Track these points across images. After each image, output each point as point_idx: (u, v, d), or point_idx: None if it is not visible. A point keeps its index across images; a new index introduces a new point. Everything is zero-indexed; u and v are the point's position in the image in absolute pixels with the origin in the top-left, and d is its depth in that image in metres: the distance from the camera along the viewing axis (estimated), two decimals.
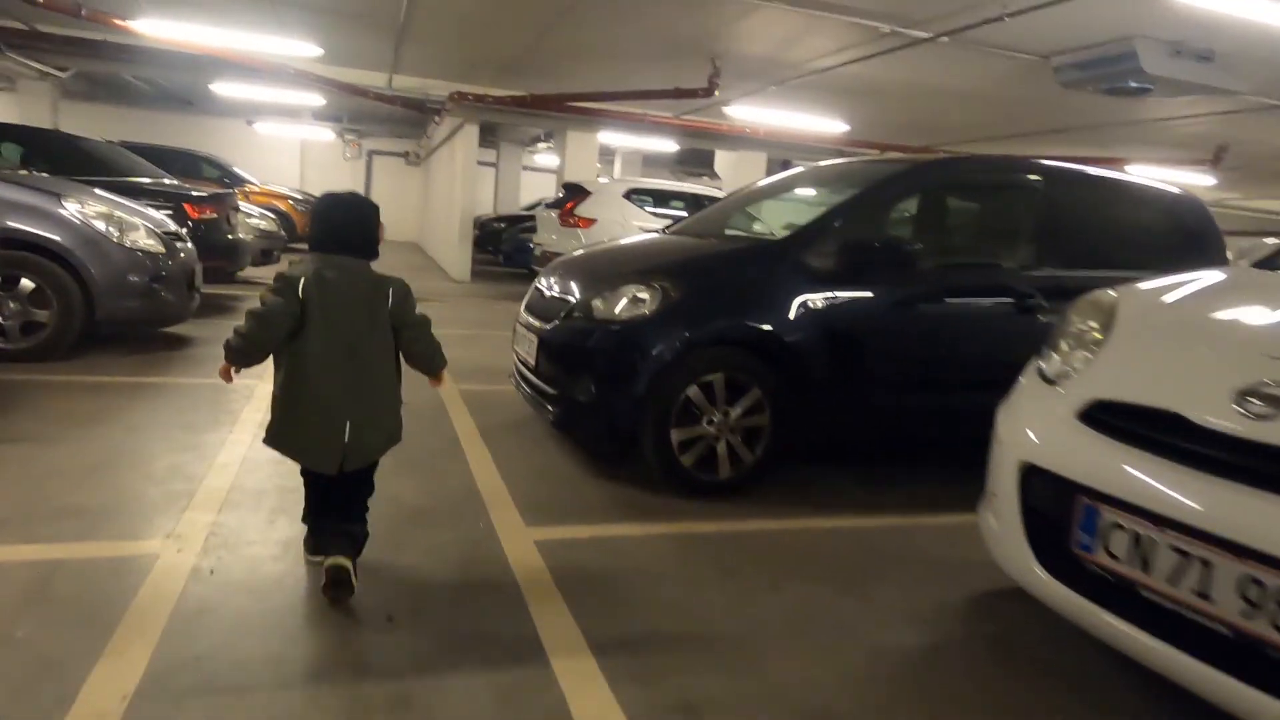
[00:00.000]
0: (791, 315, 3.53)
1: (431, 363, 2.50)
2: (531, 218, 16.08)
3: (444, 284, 12.44)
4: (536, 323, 3.93)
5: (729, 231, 4.66)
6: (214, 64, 10.63)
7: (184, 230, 6.07)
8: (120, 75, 14.25)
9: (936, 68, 8.58)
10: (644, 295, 3.50)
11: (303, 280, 2.32)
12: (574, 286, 3.88)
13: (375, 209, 2.48)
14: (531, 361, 3.87)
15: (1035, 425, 2.19)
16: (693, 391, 3.43)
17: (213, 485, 3.28)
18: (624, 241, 4.71)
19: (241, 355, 2.37)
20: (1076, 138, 11.81)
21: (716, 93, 9.29)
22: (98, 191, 5.60)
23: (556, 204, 11.72)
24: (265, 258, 10.37)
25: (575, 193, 11.48)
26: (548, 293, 4.05)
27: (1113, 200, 4.44)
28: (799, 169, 5.25)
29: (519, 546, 2.92)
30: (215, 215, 7.65)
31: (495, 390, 5.33)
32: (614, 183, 11.84)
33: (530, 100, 10.33)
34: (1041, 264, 4.03)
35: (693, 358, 3.44)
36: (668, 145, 15.54)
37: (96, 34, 9.58)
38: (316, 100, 13.45)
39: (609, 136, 13.68)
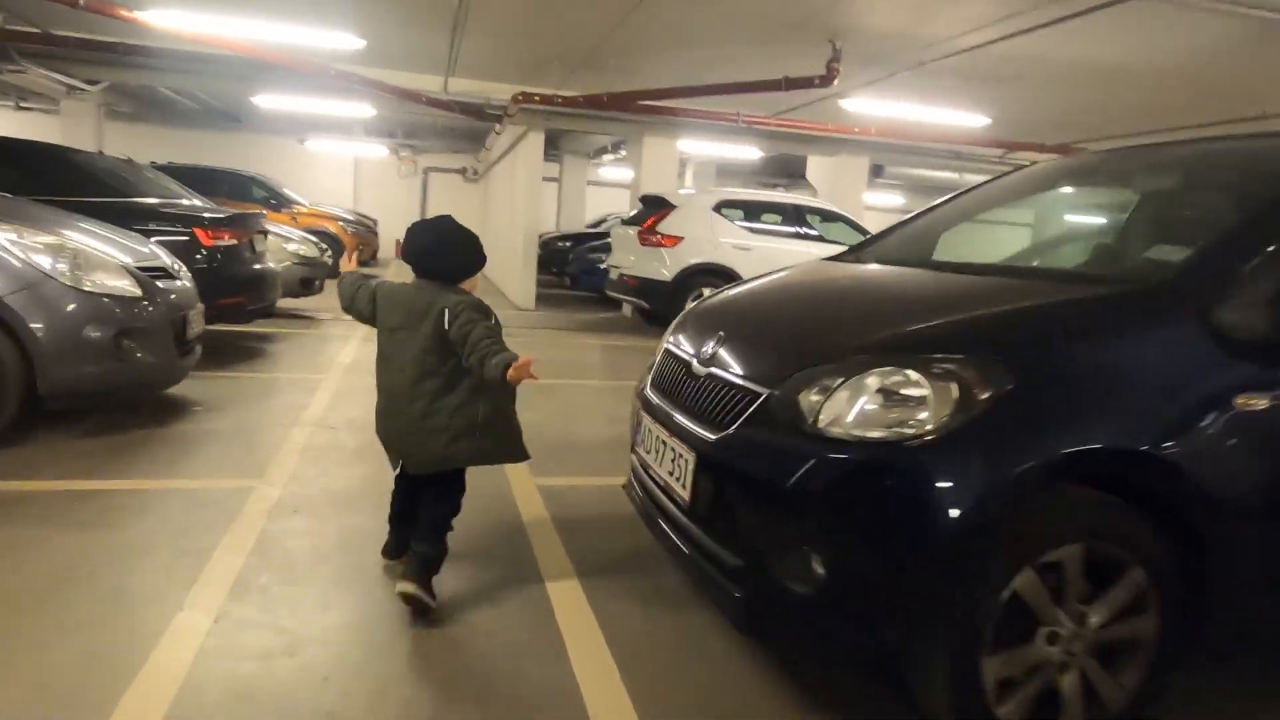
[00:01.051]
0: (1206, 426, 1.82)
1: (496, 383, 2.36)
2: (600, 235, 14.61)
3: (507, 312, 10.91)
4: (688, 422, 2.30)
5: (937, 257, 3.01)
6: (248, 67, 9.35)
7: (175, 264, 4.63)
8: (155, 89, 13.20)
9: (1119, 39, 6.76)
10: (917, 389, 1.83)
11: (377, 287, 2.61)
12: (758, 358, 2.24)
13: (461, 237, 2.54)
14: (684, 494, 2.24)
15: None
16: (1023, 582, 1.76)
17: None
18: (803, 276, 3.03)
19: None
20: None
21: (836, 81, 7.62)
22: (68, 217, 4.20)
23: (634, 219, 10.15)
24: (305, 288, 9.00)
25: (656, 206, 9.90)
26: (700, 365, 2.40)
27: None
28: (1048, 161, 3.50)
29: None
30: (235, 241, 6.24)
31: (590, 487, 3.73)
32: (703, 193, 10.21)
33: (606, 100, 8.82)
34: None
35: (1025, 515, 1.77)
36: (750, 153, 13.91)
37: (112, 36, 8.37)
38: (366, 111, 12.17)
39: (687, 144, 12.08)
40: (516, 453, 2.62)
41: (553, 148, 16.59)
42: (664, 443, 2.41)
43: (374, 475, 3.72)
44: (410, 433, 2.48)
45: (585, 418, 5.31)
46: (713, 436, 2.14)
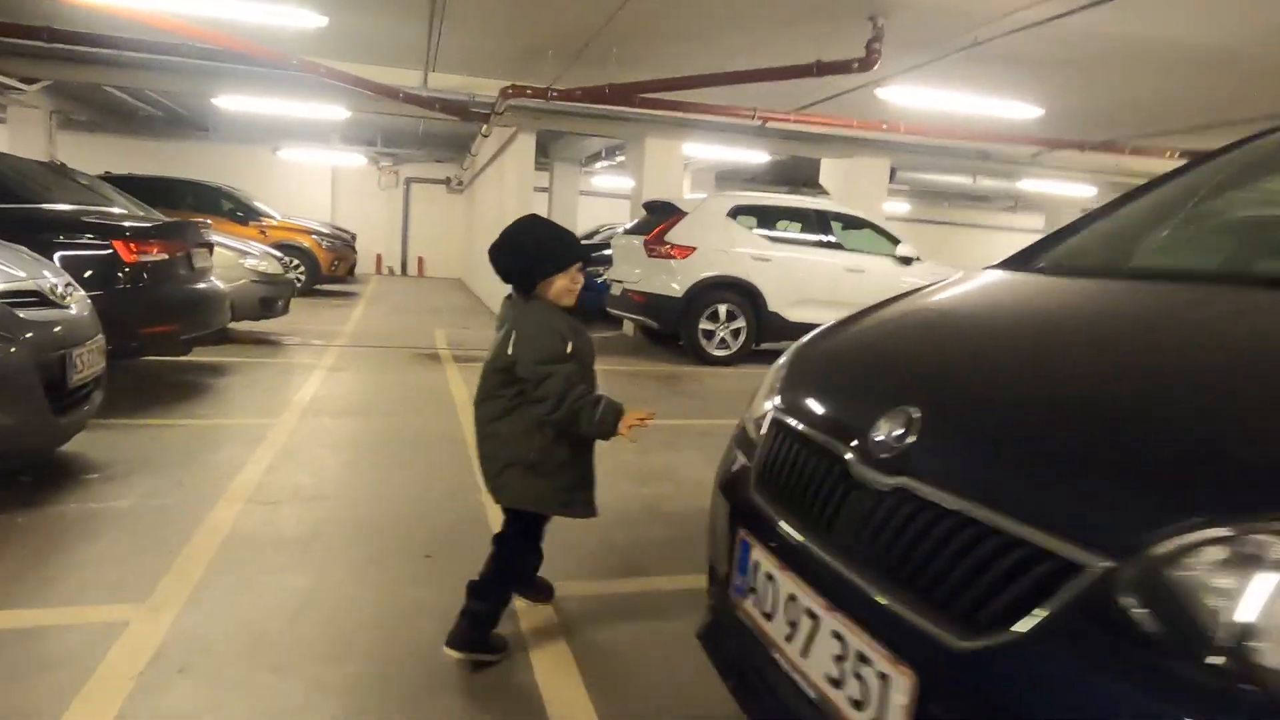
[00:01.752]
0: None
1: (576, 427, 2.15)
2: (597, 247, 13.53)
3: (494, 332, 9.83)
4: (874, 592, 1.18)
5: (1150, 263, 1.94)
6: (203, 59, 8.22)
7: (64, 286, 3.48)
8: (109, 92, 12.04)
9: (1205, 16, 5.77)
10: None
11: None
12: (1040, 477, 1.10)
13: (527, 230, 2.22)
14: None
15: None
16: None
17: None
18: (998, 301, 1.89)
19: None
20: None
21: (876, 66, 6.57)
22: None
23: (640, 228, 9.08)
24: (266, 309, 7.85)
25: (663, 213, 8.83)
26: (878, 470, 1.27)
27: None
28: None
29: None
30: (167, 256, 5.11)
31: (624, 598, 2.62)
32: (716, 197, 9.14)
33: (609, 91, 7.75)
34: None
35: None
36: (756, 157, 12.88)
37: (38, 20, 7.23)
38: (340, 113, 11.06)
39: (691, 147, 11.02)
40: (577, 505, 2.28)
41: (542, 155, 15.53)
42: (810, 615, 1.30)
43: (319, 589, 2.58)
44: (485, 463, 2.29)
45: (601, 476, 4.18)
46: (962, 646, 1.03)
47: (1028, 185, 14.58)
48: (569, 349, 2.13)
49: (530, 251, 2.18)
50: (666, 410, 5.97)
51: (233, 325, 7.74)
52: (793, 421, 1.60)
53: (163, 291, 5.02)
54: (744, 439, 1.82)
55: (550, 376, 2.09)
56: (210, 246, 5.99)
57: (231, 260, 7.62)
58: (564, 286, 2.19)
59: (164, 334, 5.00)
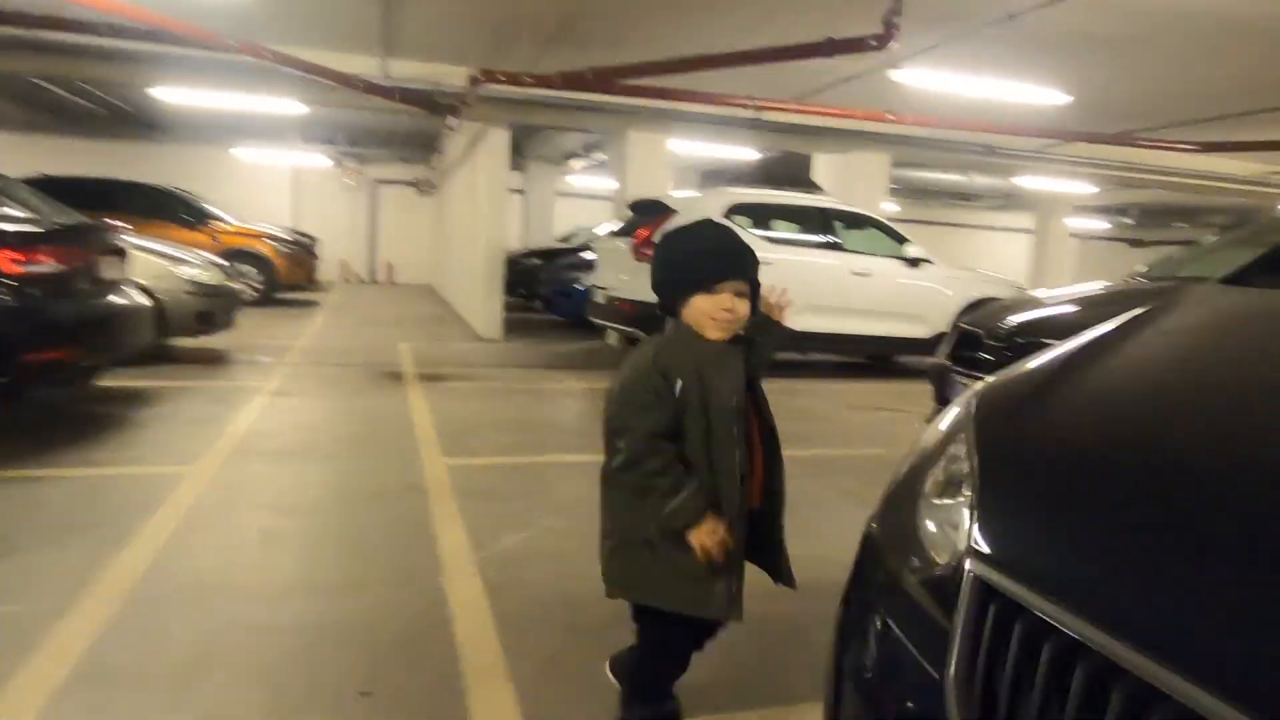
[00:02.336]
0: None
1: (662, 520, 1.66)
2: (575, 251, 12.69)
3: (469, 345, 8.96)
4: None
5: None
6: (129, 38, 7.26)
7: None
8: (39, 86, 11.01)
9: None
10: None
11: None
12: None
13: (679, 238, 1.78)
14: None
15: None
16: None
17: None
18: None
19: None
20: None
21: (894, 43, 5.79)
22: None
23: (625, 230, 8.24)
24: (205, 324, 6.92)
25: (651, 213, 7.99)
26: None
27: None
28: None
29: None
30: (62, 266, 4.19)
31: None
32: (711, 195, 8.35)
33: (592, 77, 6.88)
34: None
35: None
36: (744, 154, 12.11)
37: None
38: (296, 108, 10.14)
39: (677, 142, 10.20)
40: (712, 601, 1.68)
41: (516, 154, 14.66)
42: None
43: None
44: (602, 540, 1.83)
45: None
46: None
47: (1025, 183, 13.96)
48: (675, 390, 1.64)
49: (669, 261, 1.75)
50: None
51: (175, 342, 6.89)
52: (1035, 598, 0.78)
53: (52, 309, 4.09)
54: (898, 602, 0.99)
55: (628, 430, 1.64)
56: (121, 253, 5.06)
57: (164, 270, 6.70)
58: (703, 311, 1.69)
59: (53, 362, 4.08)
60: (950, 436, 1.12)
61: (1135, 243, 23.04)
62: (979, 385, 1.26)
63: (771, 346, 1.83)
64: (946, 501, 1.02)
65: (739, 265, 1.71)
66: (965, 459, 1.03)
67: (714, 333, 1.70)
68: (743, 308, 1.70)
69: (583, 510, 3.59)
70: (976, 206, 21.43)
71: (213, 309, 7.07)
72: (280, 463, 4.07)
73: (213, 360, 6.97)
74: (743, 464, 1.68)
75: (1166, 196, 15.49)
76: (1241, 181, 12.25)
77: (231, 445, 4.27)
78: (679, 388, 1.64)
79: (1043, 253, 16.25)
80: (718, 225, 1.83)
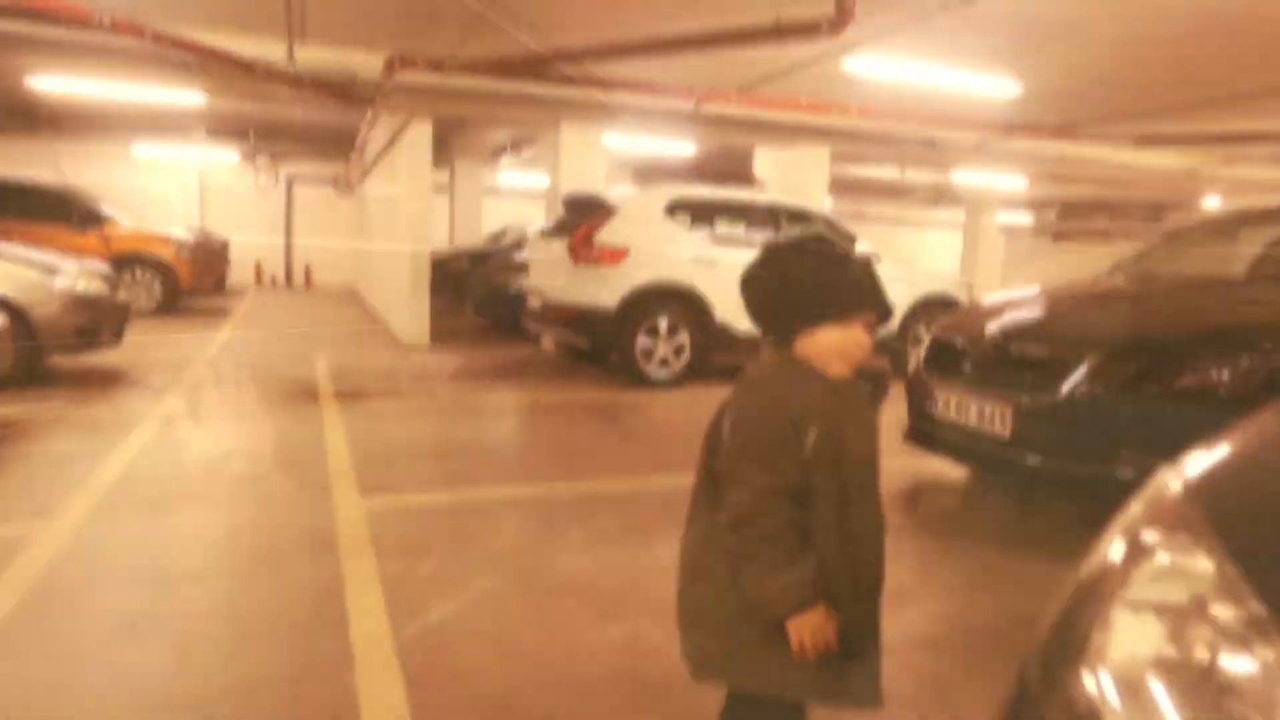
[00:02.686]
0: None
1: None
2: (506, 251, 12.06)
3: (392, 356, 8.27)
4: None
5: None
6: None
7: None
8: None
9: None
10: None
11: None
12: None
13: (805, 255, 1.47)
14: None
15: None
16: None
17: None
18: None
19: None
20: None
21: (849, 27, 5.39)
22: None
23: (560, 229, 7.69)
24: (84, 340, 6.11)
25: (587, 210, 7.47)
26: None
27: None
28: None
29: None
30: None
31: None
32: (650, 191, 7.86)
33: (522, 63, 6.30)
34: None
35: None
36: (682, 148, 11.67)
37: None
38: (194, 98, 9.26)
39: (612, 136, 9.68)
40: (849, 688, 1.43)
41: (442, 150, 13.92)
42: None
43: None
44: (688, 619, 1.53)
45: (552, 601, 2.75)
46: None
47: (960, 177, 13.91)
48: (806, 443, 1.37)
49: (798, 281, 1.46)
50: (611, 461, 4.63)
51: (57, 361, 6.11)
52: None
53: None
54: None
55: (744, 484, 1.38)
56: None
57: (32, 280, 5.89)
58: (832, 345, 1.45)
59: None
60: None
61: (1059, 236, 23.55)
62: (1177, 466, 0.81)
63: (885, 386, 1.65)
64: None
65: (874, 293, 1.48)
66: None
67: (839, 370, 1.47)
68: (870, 342, 1.49)
69: (526, 562, 3.06)
70: (907, 202, 21.52)
71: (95, 322, 6.26)
72: (160, 514, 3.41)
73: (98, 382, 6.16)
74: (883, 525, 1.46)
75: (1092, 191, 15.70)
76: (1170, 176, 12.40)
77: (101, 492, 3.58)
78: (811, 440, 1.38)
79: (973, 248, 16.29)
80: (843, 244, 1.53)
